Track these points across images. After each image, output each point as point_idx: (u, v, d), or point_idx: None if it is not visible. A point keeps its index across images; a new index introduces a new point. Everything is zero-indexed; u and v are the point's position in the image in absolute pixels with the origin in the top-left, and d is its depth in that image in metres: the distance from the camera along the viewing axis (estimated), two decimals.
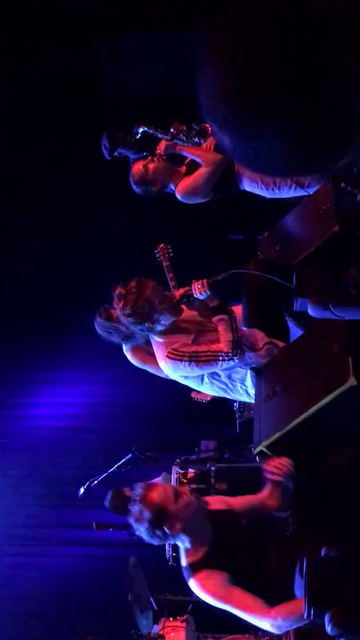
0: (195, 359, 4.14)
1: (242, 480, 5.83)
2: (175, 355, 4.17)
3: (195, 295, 4.26)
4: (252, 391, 4.28)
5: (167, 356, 4.19)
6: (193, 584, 3.57)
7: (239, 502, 3.83)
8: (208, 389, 4.45)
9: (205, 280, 4.26)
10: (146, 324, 4.17)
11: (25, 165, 7.24)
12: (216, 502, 3.84)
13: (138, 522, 3.57)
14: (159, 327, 4.22)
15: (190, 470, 6.17)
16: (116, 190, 5.74)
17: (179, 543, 3.66)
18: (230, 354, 4.09)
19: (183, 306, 4.37)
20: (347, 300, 3.28)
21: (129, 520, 3.65)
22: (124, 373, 5.82)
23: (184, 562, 3.64)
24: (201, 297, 4.26)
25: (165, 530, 3.54)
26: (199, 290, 4.25)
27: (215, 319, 4.25)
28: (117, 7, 6.71)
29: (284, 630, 3.45)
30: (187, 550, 3.63)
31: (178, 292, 4.37)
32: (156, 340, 4.31)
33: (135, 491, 3.64)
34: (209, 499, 3.93)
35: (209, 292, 4.23)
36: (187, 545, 3.62)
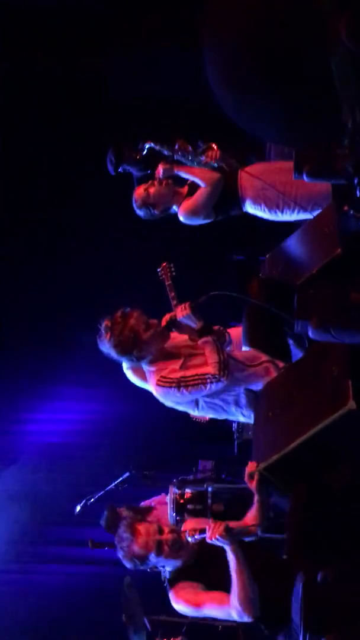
0: (184, 384, 4.15)
1: (239, 501, 5.80)
2: (165, 382, 4.19)
3: (179, 319, 4.28)
4: (247, 412, 4.27)
5: (157, 384, 4.21)
6: (170, 597, 3.76)
7: None
8: (204, 413, 4.46)
9: (187, 303, 4.28)
10: (134, 353, 4.20)
11: (26, 175, 7.26)
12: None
13: (119, 544, 3.82)
14: (148, 356, 4.24)
15: (187, 490, 6.13)
16: (120, 207, 5.75)
17: (165, 567, 3.83)
18: (217, 375, 4.10)
19: (174, 332, 4.37)
20: (348, 323, 3.28)
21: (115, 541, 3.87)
22: (123, 391, 5.80)
23: (167, 576, 3.82)
24: (186, 321, 4.27)
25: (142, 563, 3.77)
26: (182, 313, 4.27)
27: (200, 341, 4.26)
28: (123, 17, 6.75)
29: (249, 612, 3.50)
30: (170, 572, 3.83)
31: (164, 318, 4.39)
32: (147, 369, 4.32)
33: (121, 536, 3.83)
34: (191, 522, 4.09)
35: (191, 315, 4.25)
36: (171, 567, 3.81)
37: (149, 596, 6.16)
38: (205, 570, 3.70)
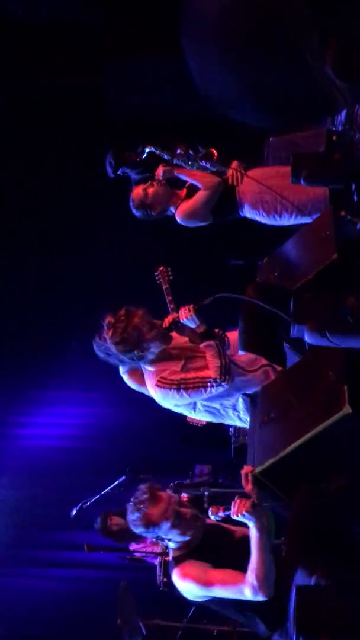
0: (184, 387, 4.14)
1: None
2: (164, 384, 4.18)
3: (182, 321, 4.27)
4: (244, 416, 4.27)
5: (156, 385, 4.20)
6: (175, 575, 3.73)
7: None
8: (201, 416, 4.45)
9: (191, 306, 4.28)
10: (135, 352, 4.16)
11: (26, 184, 7.28)
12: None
13: (136, 505, 3.76)
14: (150, 356, 4.21)
15: (183, 494, 6.14)
16: (117, 212, 5.76)
17: (169, 542, 3.81)
18: (219, 380, 4.10)
19: (174, 333, 4.37)
20: (344, 328, 3.29)
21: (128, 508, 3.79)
22: (120, 395, 5.81)
23: (170, 557, 3.82)
24: (188, 323, 4.26)
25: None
26: (185, 315, 4.27)
27: (202, 345, 4.25)
28: (123, 28, 6.78)
29: (266, 590, 3.48)
30: (173, 549, 3.81)
31: (167, 319, 4.38)
32: (147, 369, 4.31)
33: (139, 498, 3.77)
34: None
35: (194, 317, 4.25)
36: (175, 543, 3.78)
37: (145, 600, 6.17)
38: (209, 552, 3.69)
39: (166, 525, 3.71)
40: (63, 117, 7.12)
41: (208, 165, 5.30)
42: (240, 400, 4.29)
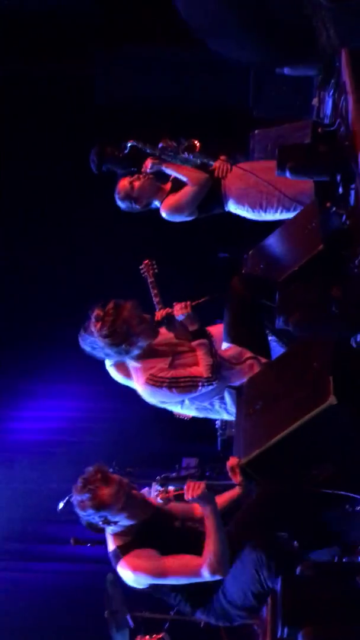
0: (175, 385, 4.14)
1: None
2: (154, 382, 4.16)
3: (176, 317, 4.26)
4: (231, 409, 4.28)
5: (146, 382, 4.18)
6: (123, 567, 3.63)
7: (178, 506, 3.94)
8: (188, 411, 4.45)
9: (188, 302, 4.26)
10: (123, 346, 4.13)
11: (12, 173, 7.25)
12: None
13: (80, 507, 3.66)
14: (136, 351, 4.18)
15: (170, 487, 6.13)
16: (104, 204, 5.75)
17: (109, 528, 3.71)
18: (210, 378, 4.10)
19: (161, 329, 4.35)
20: (329, 319, 3.30)
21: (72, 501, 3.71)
22: (106, 388, 5.80)
23: (111, 547, 3.70)
24: (182, 318, 4.25)
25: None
26: (181, 311, 4.25)
27: (194, 343, 4.25)
28: (113, 19, 6.77)
29: (223, 569, 3.51)
30: (114, 535, 3.71)
31: (159, 313, 4.36)
32: (133, 364, 4.29)
33: (89, 478, 3.68)
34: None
35: (191, 314, 4.23)
36: (118, 527, 3.69)
37: (132, 592, 6.17)
38: (152, 537, 3.65)
39: (116, 508, 3.62)
40: (51, 106, 7.10)
41: (191, 157, 5.28)
42: (227, 393, 4.29)
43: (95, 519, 3.67)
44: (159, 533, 3.70)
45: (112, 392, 5.88)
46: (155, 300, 5.06)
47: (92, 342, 4.25)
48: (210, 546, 3.51)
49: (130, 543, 3.66)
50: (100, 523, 3.68)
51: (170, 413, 5.85)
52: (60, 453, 7.73)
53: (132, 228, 6.23)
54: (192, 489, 3.53)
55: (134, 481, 6.25)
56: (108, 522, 3.67)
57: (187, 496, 3.55)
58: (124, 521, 3.70)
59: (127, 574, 3.65)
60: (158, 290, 5.13)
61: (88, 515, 3.67)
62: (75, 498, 3.68)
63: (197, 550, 3.59)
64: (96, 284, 6.89)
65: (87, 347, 4.39)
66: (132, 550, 3.63)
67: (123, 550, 3.65)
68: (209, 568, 3.50)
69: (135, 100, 7.05)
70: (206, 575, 3.52)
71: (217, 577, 3.53)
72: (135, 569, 3.61)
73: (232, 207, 5.17)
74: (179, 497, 3.72)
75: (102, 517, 3.65)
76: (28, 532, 7.69)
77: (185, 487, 3.58)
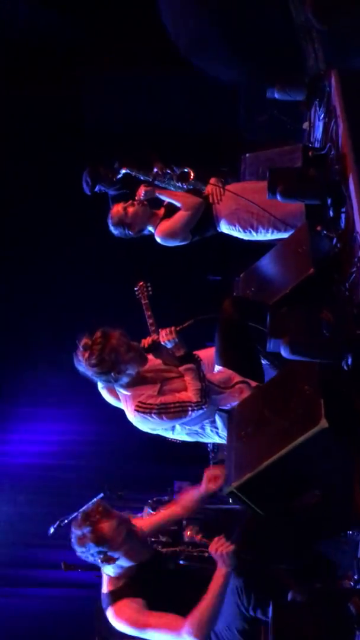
0: (165, 411, 4.12)
1: (213, 522, 5.78)
2: (144, 409, 4.14)
3: (162, 343, 4.25)
4: (223, 433, 4.26)
5: (135, 409, 4.16)
6: (110, 614, 3.61)
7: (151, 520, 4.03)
8: (180, 436, 4.44)
9: (172, 328, 4.25)
10: (112, 374, 4.11)
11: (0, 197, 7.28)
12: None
13: (80, 543, 3.62)
14: (125, 379, 4.17)
15: (162, 511, 6.11)
16: (97, 227, 5.77)
17: (107, 569, 3.68)
18: (199, 403, 4.09)
19: (148, 355, 4.34)
20: (320, 342, 3.29)
21: (72, 537, 3.66)
22: (99, 411, 5.77)
23: (105, 589, 3.67)
24: (169, 345, 4.24)
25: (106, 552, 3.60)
26: (166, 338, 4.23)
27: (182, 368, 4.23)
28: (101, 43, 6.82)
29: (204, 634, 3.42)
30: (110, 578, 3.68)
31: (145, 341, 4.34)
32: (123, 393, 4.28)
33: (89, 512, 3.66)
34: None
35: (176, 340, 4.22)
36: (115, 570, 3.66)
37: None
38: (146, 585, 3.60)
39: (116, 542, 3.60)
40: (39, 130, 7.13)
41: (184, 186, 5.33)
42: (218, 417, 4.28)
43: (95, 555, 3.64)
44: (152, 580, 3.65)
45: (103, 415, 5.86)
46: (149, 321, 5.09)
47: (83, 368, 4.23)
48: (202, 607, 3.43)
49: (121, 589, 3.63)
50: (100, 560, 3.65)
51: (162, 437, 5.86)
52: (51, 477, 7.70)
53: (127, 252, 6.25)
54: (219, 546, 3.47)
55: (126, 505, 6.26)
56: (107, 560, 3.64)
57: (211, 549, 3.48)
58: (122, 560, 3.66)
59: (112, 620, 3.63)
60: (152, 312, 5.15)
61: (87, 551, 3.64)
62: (75, 533, 3.65)
63: (188, 599, 3.52)
64: (92, 307, 6.89)
65: (81, 368, 4.38)
66: (121, 599, 3.59)
67: (113, 597, 3.62)
68: (191, 627, 3.40)
69: (124, 123, 7.09)
70: (187, 635, 3.42)
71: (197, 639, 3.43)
72: (118, 616, 3.58)
73: (224, 228, 5.20)
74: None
75: (102, 552, 3.62)
76: (18, 556, 7.63)
77: (213, 539, 3.52)
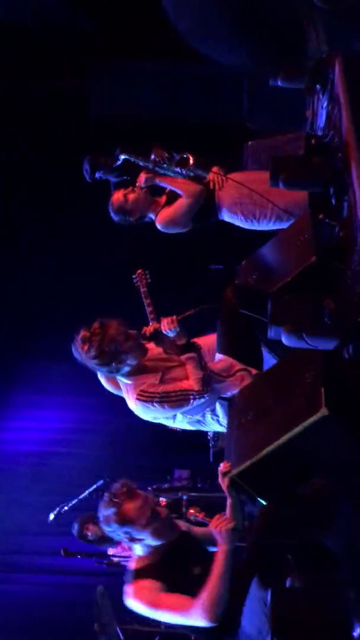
0: (166, 400, 4.11)
1: (214, 510, 5.78)
2: (145, 397, 4.13)
3: (164, 332, 4.23)
4: (223, 421, 4.26)
5: (137, 398, 4.15)
6: (127, 590, 3.59)
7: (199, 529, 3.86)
8: (181, 425, 4.44)
9: (174, 317, 4.23)
10: (113, 365, 4.10)
11: (6, 186, 7.27)
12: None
13: (105, 522, 3.60)
14: (126, 368, 4.15)
15: (162, 498, 6.13)
16: (95, 215, 5.76)
17: (136, 548, 3.66)
18: (201, 391, 4.09)
19: (149, 344, 4.32)
20: (321, 330, 3.29)
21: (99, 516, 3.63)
22: (99, 399, 5.79)
23: (131, 565, 3.66)
24: (170, 334, 4.22)
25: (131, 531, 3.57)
26: (168, 327, 4.22)
27: (183, 357, 4.22)
28: (108, 33, 6.80)
29: (215, 613, 3.38)
30: (138, 557, 3.67)
31: (147, 329, 4.33)
32: (124, 382, 4.27)
33: (115, 492, 3.62)
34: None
35: (178, 329, 4.21)
36: (143, 549, 3.64)
37: (122, 605, 6.13)
38: (171, 571, 3.59)
39: (141, 523, 3.57)
40: (46, 119, 7.12)
41: (184, 172, 5.30)
42: (218, 405, 4.28)
43: (120, 535, 3.62)
44: (177, 561, 3.62)
45: (104, 403, 5.88)
46: (148, 309, 5.07)
47: (83, 359, 4.20)
48: (209, 587, 3.40)
49: (144, 569, 3.61)
50: (126, 540, 3.64)
51: (162, 425, 5.86)
52: (51, 465, 7.71)
53: (127, 239, 6.24)
54: (219, 523, 3.46)
55: None
56: (133, 540, 3.63)
57: (212, 525, 3.47)
58: (149, 539, 3.63)
59: (128, 599, 3.61)
60: (151, 300, 5.13)
61: (113, 531, 3.62)
62: (101, 512, 3.62)
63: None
64: (92, 296, 6.89)
65: (81, 360, 4.37)
66: (142, 579, 3.57)
67: (135, 575, 3.61)
68: (199, 612, 3.38)
69: (129, 113, 7.08)
70: (196, 621, 3.41)
71: (207, 624, 3.40)
72: (134, 595, 3.57)
73: (226, 217, 5.19)
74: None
75: (127, 533, 3.60)
76: (18, 543, 7.65)
77: (214, 517, 3.50)
